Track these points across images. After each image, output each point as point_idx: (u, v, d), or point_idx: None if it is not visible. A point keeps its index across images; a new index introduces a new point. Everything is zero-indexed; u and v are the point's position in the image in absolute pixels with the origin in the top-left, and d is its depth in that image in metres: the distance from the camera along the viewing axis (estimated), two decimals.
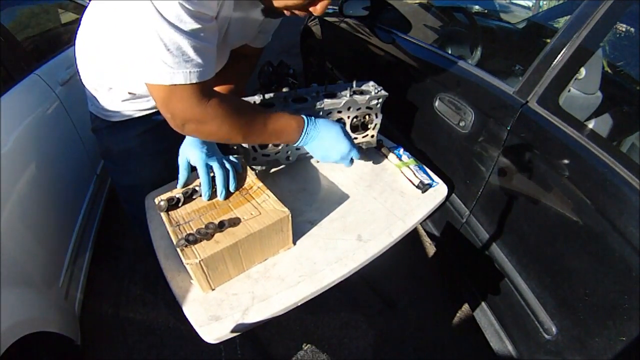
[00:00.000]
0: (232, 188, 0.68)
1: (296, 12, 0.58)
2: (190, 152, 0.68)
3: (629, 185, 0.67)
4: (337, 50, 2.19)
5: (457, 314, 1.42)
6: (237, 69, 0.84)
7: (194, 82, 0.53)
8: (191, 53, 0.51)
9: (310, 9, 0.56)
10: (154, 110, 0.82)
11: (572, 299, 0.78)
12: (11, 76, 1.19)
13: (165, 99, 0.54)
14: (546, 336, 0.84)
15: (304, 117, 0.72)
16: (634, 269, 0.64)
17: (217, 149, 0.73)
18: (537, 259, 0.88)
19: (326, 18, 2.26)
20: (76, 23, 1.94)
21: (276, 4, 0.56)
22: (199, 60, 0.52)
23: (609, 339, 0.69)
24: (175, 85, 0.52)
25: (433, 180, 0.86)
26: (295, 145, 0.73)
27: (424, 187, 0.82)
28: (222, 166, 0.68)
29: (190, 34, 0.50)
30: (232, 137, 0.62)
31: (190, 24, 0.49)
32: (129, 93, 0.75)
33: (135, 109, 0.79)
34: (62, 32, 1.80)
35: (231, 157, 0.73)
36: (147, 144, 0.84)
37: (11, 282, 0.86)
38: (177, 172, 0.70)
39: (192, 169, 0.70)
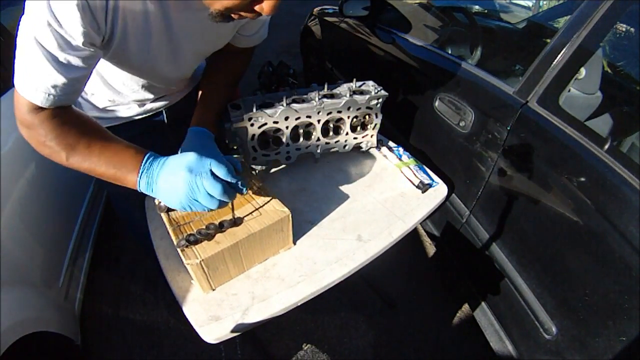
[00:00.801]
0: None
1: (242, 14, 0.51)
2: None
3: (629, 185, 0.67)
4: (337, 50, 2.19)
5: (457, 314, 1.42)
6: (228, 65, 0.80)
7: (35, 103, 0.51)
8: (44, 73, 0.49)
9: (256, 8, 0.50)
10: (137, 118, 0.81)
11: (572, 299, 0.78)
12: (11, 76, 1.19)
13: (15, 97, 0.53)
14: (546, 336, 0.84)
15: (147, 153, 0.55)
16: (634, 269, 0.64)
17: (218, 151, 0.67)
18: (537, 259, 0.88)
19: (326, 18, 2.26)
20: None
21: (215, 6, 0.50)
22: (48, 85, 0.49)
23: (609, 339, 0.69)
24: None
25: (433, 180, 0.86)
26: (139, 190, 0.55)
27: (424, 187, 0.82)
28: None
29: (51, 52, 0.48)
30: (53, 155, 0.54)
31: (52, 44, 0.47)
32: (109, 100, 0.74)
33: (115, 116, 0.78)
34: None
35: (234, 157, 0.72)
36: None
37: (11, 282, 0.86)
38: None
39: None
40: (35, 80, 0.49)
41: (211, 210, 0.54)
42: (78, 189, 1.39)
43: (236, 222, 0.60)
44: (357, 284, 1.49)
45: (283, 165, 0.90)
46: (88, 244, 1.37)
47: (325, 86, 0.86)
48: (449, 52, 1.39)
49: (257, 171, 0.86)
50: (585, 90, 1.18)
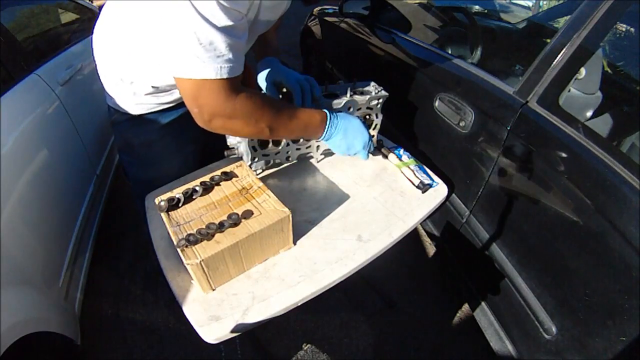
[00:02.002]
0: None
1: None
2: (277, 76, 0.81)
3: (629, 185, 0.67)
4: (337, 50, 2.19)
5: (457, 314, 1.42)
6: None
7: (224, 77, 0.53)
8: (223, 49, 0.52)
9: None
10: (175, 104, 0.84)
11: (572, 298, 0.78)
12: (11, 76, 1.19)
13: (194, 93, 0.55)
14: (546, 336, 0.84)
15: (326, 111, 0.74)
16: (634, 269, 0.64)
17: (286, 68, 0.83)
18: (537, 259, 0.88)
19: (326, 18, 2.27)
20: (76, 23, 1.95)
21: None
22: (230, 56, 0.53)
23: (609, 339, 0.69)
24: (205, 79, 0.53)
25: (433, 181, 0.86)
26: (320, 139, 0.76)
27: (424, 187, 0.82)
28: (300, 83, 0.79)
29: (223, 30, 0.51)
30: (259, 133, 0.64)
31: (224, 21, 0.50)
32: (152, 87, 0.76)
33: (157, 102, 0.80)
34: (62, 32, 1.80)
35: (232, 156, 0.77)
36: (168, 137, 0.85)
37: (11, 282, 0.86)
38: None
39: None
40: (214, 59, 0.51)
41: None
42: (78, 189, 1.39)
43: (258, 209, 0.62)
44: (357, 284, 1.49)
45: (283, 165, 0.90)
46: (88, 244, 1.37)
47: (326, 86, 0.86)
48: (449, 52, 1.39)
49: (257, 171, 0.86)
50: (585, 90, 1.18)
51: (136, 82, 0.74)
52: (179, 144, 0.87)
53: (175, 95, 0.82)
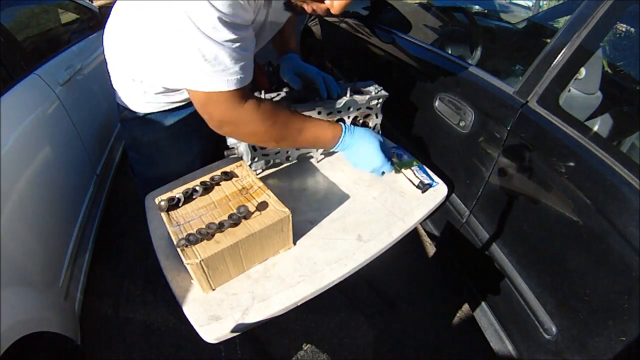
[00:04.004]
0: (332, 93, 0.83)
1: (314, 6, 0.56)
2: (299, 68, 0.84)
3: (629, 185, 0.67)
4: (337, 50, 2.20)
5: (457, 314, 1.42)
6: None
7: (231, 89, 0.54)
8: (228, 62, 0.52)
9: (327, 3, 0.54)
10: (186, 102, 0.84)
11: (572, 299, 0.78)
12: (11, 76, 1.19)
13: (203, 103, 0.56)
14: (546, 336, 0.84)
15: (342, 125, 0.74)
16: (634, 269, 0.64)
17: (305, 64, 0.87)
18: (537, 259, 0.88)
19: (326, 18, 2.27)
20: (76, 23, 1.95)
21: None
22: (237, 68, 0.53)
23: (609, 339, 0.69)
24: (212, 92, 0.53)
25: (433, 180, 0.86)
26: (330, 150, 0.77)
27: (424, 187, 0.82)
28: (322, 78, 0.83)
29: (227, 44, 0.50)
30: (267, 141, 0.65)
31: (227, 34, 0.50)
32: (163, 87, 0.77)
33: (168, 101, 0.80)
34: (62, 32, 1.80)
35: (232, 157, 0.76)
36: (176, 136, 0.85)
37: (11, 282, 0.86)
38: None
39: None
40: (221, 72, 0.52)
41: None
42: (78, 189, 1.39)
43: (245, 216, 0.61)
44: (357, 284, 1.49)
45: (283, 165, 0.90)
46: (88, 244, 1.37)
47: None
48: (449, 52, 1.39)
49: (257, 171, 0.86)
50: (585, 90, 1.18)
51: (147, 81, 0.75)
52: (187, 143, 0.87)
53: (185, 94, 0.83)
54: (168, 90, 0.78)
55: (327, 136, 0.72)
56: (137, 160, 0.92)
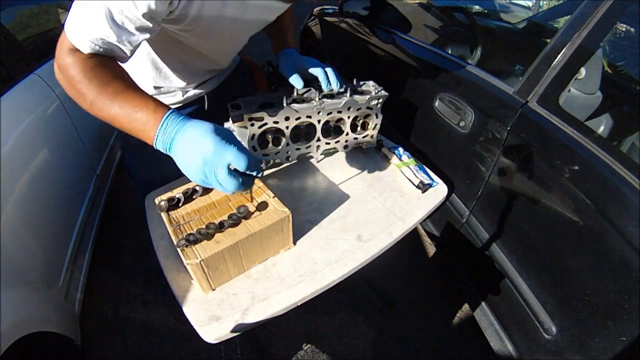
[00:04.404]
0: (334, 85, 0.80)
1: None
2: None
3: (629, 185, 0.67)
4: (337, 50, 2.19)
5: (457, 314, 1.42)
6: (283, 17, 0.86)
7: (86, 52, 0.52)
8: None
9: None
10: (178, 106, 0.85)
11: (572, 299, 0.78)
12: (11, 76, 1.19)
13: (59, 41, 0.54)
14: (546, 336, 0.84)
15: (168, 112, 0.52)
16: (634, 269, 0.64)
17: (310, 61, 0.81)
18: (537, 259, 0.88)
19: (326, 18, 2.26)
20: None
21: None
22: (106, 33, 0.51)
23: (609, 339, 0.69)
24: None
25: (433, 180, 0.86)
26: (155, 147, 0.54)
27: (424, 187, 0.82)
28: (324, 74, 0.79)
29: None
30: (78, 98, 0.56)
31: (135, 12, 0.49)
32: (155, 88, 0.77)
33: None
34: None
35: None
36: None
37: (11, 282, 0.86)
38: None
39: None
40: (86, 28, 0.50)
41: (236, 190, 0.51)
42: (78, 189, 1.39)
43: (246, 216, 0.61)
44: (357, 284, 1.49)
45: (283, 165, 0.90)
46: (88, 244, 1.37)
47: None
48: (449, 52, 1.39)
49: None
50: (585, 90, 1.18)
51: (139, 82, 0.74)
52: None
53: (177, 97, 0.83)
54: (159, 93, 0.78)
55: (149, 110, 0.52)
56: (132, 163, 0.92)
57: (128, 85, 0.55)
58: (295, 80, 0.81)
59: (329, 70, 0.80)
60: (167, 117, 0.51)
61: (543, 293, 0.85)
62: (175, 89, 0.81)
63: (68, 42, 0.52)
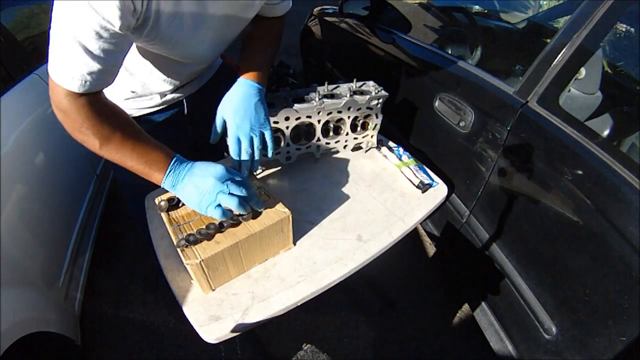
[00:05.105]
0: (254, 169, 0.70)
1: None
2: (227, 114, 0.67)
3: (629, 185, 0.67)
4: (337, 50, 2.19)
5: (457, 314, 1.42)
6: (260, 32, 0.77)
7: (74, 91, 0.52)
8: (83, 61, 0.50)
9: None
10: (156, 109, 0.83)
11: (572, 299, 0.78)
12: (11, 76, 1.19)
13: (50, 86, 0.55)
14: (546, 336, 0.84)
15: (175, 156, 0.59)
16: (634, 269, 0.64)
17: (264, 120, 0.68)
18: (537, 259, 0.88)
19: (326, 18, 2.27)
20: None
21: None
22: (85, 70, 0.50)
23: (609, 339, 0.69)
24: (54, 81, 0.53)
25: (433, 180, 0.86)
26: (162, 186, 0.59)
27: (424, 187, 0.82)
28: (251, 146, 0.67)
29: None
30: (88, 143, 0.57)
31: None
32: (132, 92, 0.75)
33: (137, 107, 0.80)
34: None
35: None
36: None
37: (11, 282, 0.86)
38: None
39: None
40: (70, 68, 0.50)
41: (228, 215, 0.58)
42: (78, 189, 1.39)
43: (254, 216, 0.61)
44: (357, 284, 1.49)
45: (283, 165, 0.90)
46: (88, 244, 1.37)
47: (326, 86, 0.86)
48: (449, 52, 1.39)
49: (257, 171, 0.86)
50: (585, 90, 1.18)
51: (116, 86, 0.69)
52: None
53: (155, 100, 0.80)
54: (136, 96, 0.76)
55: (160, 156, 0.58)
56: (116, 168, 0.86)
57: (135, 131, 0.59)
58: (216, 134, 0.69)
59: (256, 141, 0.68)
60: (175, 160, 0.59)
61: (543, 293, 0.85)
62: (152, 93, 0.78)
63: (59, 87, 0.52)
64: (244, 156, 0.68)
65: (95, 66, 0.50)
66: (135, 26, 0.54)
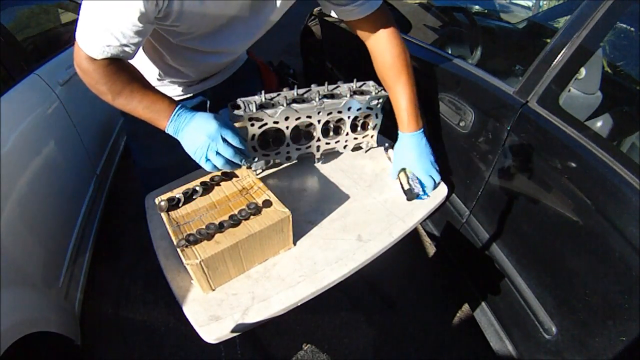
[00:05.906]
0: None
1: None
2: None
3: (629, 185, 0.67)
4: (337, 50, 2.19)
5: (457, 314, 1.42)
6: (375, 46, 0.84)
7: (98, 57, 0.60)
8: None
9: None
10: (181, 97, 0.88)
11: (572, 298, 0.78)
12: (11, 76, 1.19)
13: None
14: (546, 336, 0.84)
15: (177, 106, 0.66)
16: (634, 269, 0.64)
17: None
18: (537, 259, 0.88)
19: (326, 18, 2.26)
20: (76, 23, 1.95)
21: None
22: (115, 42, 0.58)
23: (609, 339, 0.69)
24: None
25: (425, 193, 0.83)
26: (166, 131, 0.66)
27: (410, 195, 0.80)
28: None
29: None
30: (102, 96, 0.66)
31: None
32: (158, 79, 0.81)
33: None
34: (62, 32, 1.80)
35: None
36: None
37: (11, 282, 0.86)
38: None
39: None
40: (93, 38, 0.58)
41: (217, 170, 0.65)
42: (78, 189, 1.39)
43: (255, 213, 0.62)
44: (357, 284, 1.49)
45: (283, 165, 0.90)
46: (88, 243, 1.37)
47: (326, 86, 0.86)
48: (449, 52, 1.39)
49: (257, 171, 0.86)
50: (585, 90, 1.18)
51: (143, 73, 0.75)
52: None
53: (178, 90, 0.85)
54: (163, 84, 0.81)
55: (164, 104, 0.65)
56: (135, 150, 0.96)
57: (144, 85, 0.67)
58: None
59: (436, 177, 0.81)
60: (178, 109, 0.65)
61: (543, 293, 0.85)
62: (177, 81, 0.83)
63: (82, 51, 0.60)
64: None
65: (115, 42, 0.58)
66: (154, 21, 0.61)
